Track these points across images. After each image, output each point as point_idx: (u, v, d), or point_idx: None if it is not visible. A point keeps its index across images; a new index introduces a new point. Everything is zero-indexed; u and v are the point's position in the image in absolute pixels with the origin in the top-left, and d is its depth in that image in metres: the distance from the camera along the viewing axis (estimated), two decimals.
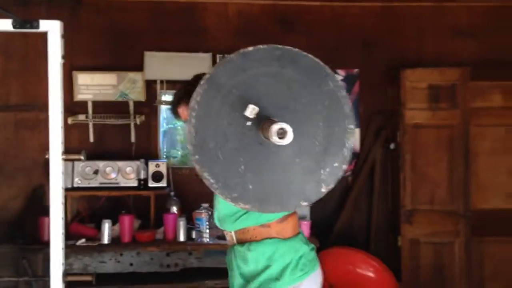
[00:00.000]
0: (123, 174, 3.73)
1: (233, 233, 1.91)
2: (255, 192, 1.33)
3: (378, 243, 4.04)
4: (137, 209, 3.79)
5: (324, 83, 1.34)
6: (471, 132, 3.83)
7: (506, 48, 4.18)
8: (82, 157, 1.68)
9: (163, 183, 3.75)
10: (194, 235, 3.53)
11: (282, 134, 1.17)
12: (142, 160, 3.75)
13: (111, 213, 3.65)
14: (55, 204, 1.60)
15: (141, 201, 3.81)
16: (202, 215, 3.48)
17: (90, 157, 3.64)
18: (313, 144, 1.34)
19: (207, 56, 3.96)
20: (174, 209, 3.69)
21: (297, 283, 1.81)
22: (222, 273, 3.45)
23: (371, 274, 3.55)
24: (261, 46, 1.32)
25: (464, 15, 4.24)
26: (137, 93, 3.93)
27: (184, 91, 1.92)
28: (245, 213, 1.84)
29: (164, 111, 4.05)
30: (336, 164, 1.36)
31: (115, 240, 3.45)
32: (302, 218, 3.64)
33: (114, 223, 3.51)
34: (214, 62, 3.96)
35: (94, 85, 3.87)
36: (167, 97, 3.98)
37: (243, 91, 1.31)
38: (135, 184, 3.74)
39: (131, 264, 3.39)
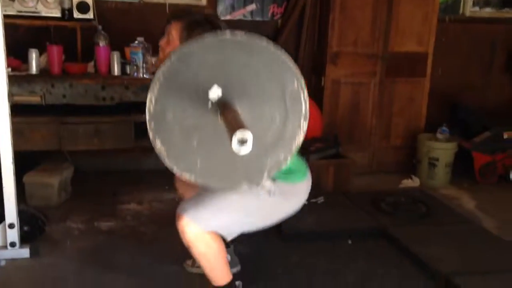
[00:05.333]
0: (43, 2, 3.40)
1: None
2: (202, 168, 1.39)
3: None
4: (60, 42, 3.53)
5: (290, 82, 1.36)
6: None
7: None
8: None
9: (89, 15, 3.50)
10: (128, 70, 3.43)
11: (242, 142, 1.17)
12: None
13: (32, 46, 3.38)
14: None
15: (65, 34, 3.56)
16: (137, 49, 3.36)
17: None
18: (266, 134, 1.39)
19: None
20: (104, 43, 3.49)
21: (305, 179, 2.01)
22: None
23: None
24: (238, 36, 1.31)
25: None
26: None
27: (195, 19, 1.88)
28: None
29: None
30: (282, 156, 1.42)
31: (44, 71, 3.25)
32: None
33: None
34: None
35: None
36: None
37: (212, 73, 1.32)
38: (57, 14, 3.44)
39: (64, 96, 3.26)
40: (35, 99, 2.96)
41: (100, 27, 3.57)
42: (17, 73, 3.14)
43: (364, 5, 4.00)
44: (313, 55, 4.28)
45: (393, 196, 3.38)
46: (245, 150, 1.17)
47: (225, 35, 1.33)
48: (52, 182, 3.17)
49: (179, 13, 1.97)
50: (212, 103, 1.33)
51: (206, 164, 1.39)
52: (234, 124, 1.21)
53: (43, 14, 3.41)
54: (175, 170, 1.39)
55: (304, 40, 4.20)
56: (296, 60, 4.24)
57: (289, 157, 1.43)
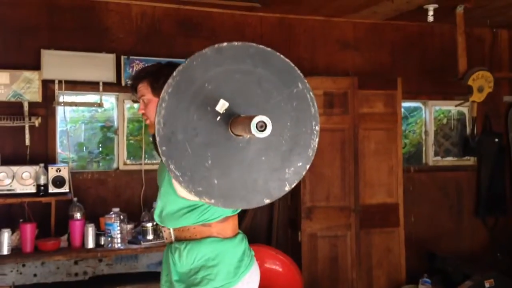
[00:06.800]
0: (19, 180, 3.46)
1: (171, 230, 1.88)
2: (220, 187, 1.33)
3: (280, 239, 4.27)
4: (34, 217, 3.52)
5: (294, 84, 1.35)
6: (359, 135, 4.25)
7: (383, 61, 4.72)
8: None
9: (65, 189, 3.54)
10: (103, 241, 3.40)
11: (262, 127, 1.19)
12: (42, 164, 3.51)
13: (4, 222, 3.36)
14: None
15: (39, 208, 3.56)
16: (112, 220, 3.37)
17: None
18: (279, 143, 1.35)
19: (111, 57, 3.84)
20: (78, 215, 3.50)
21: (239, 281, 1.82)
22: (135, 279, 3.40)
23: (278, 268, 3.75)
24: (235, 43, 1.33)
25: (349, 30, 4.70)
26: (32, 93, 3.66)
27: (153, 69, 1.90)
28: (187, 212, 1.81)
29: (62, 112, 3.82)
30: (300, 164, 1.38)
31: (15, 250, 3.19)
32: None
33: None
34: (118, 63, 3.85)
35: None
36: (68, 97, 3.79)
37: (215, 86, 1.31)
38: (32, 190, 3.48)
39: (35, 275, 3.16)
40: None
41: (75, 199, 3.61)
42: None
43: (331, 162, 4.19)
44: (288, 210, 4.35)
45: None
46: (265, 133, 1.17)
47: (222, 44, 1.31)
48: None
49: (135, 77, 1.97)
50: (220, 115, 1.29)
51: (224, 184, 1.32)
52: (248, 117, 1.20)
53: (18, 191, 3.45)
54: (194, 194, 1.30)
55: (278, 199, 4.29)
56: (271, 215, 4.29)
57: (307, 165, 1.37)
